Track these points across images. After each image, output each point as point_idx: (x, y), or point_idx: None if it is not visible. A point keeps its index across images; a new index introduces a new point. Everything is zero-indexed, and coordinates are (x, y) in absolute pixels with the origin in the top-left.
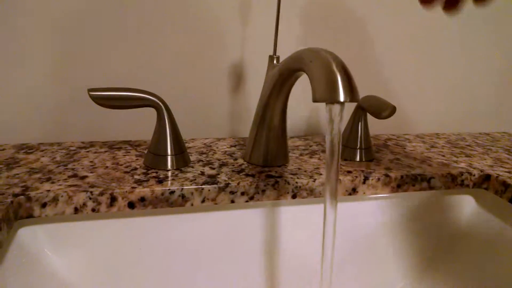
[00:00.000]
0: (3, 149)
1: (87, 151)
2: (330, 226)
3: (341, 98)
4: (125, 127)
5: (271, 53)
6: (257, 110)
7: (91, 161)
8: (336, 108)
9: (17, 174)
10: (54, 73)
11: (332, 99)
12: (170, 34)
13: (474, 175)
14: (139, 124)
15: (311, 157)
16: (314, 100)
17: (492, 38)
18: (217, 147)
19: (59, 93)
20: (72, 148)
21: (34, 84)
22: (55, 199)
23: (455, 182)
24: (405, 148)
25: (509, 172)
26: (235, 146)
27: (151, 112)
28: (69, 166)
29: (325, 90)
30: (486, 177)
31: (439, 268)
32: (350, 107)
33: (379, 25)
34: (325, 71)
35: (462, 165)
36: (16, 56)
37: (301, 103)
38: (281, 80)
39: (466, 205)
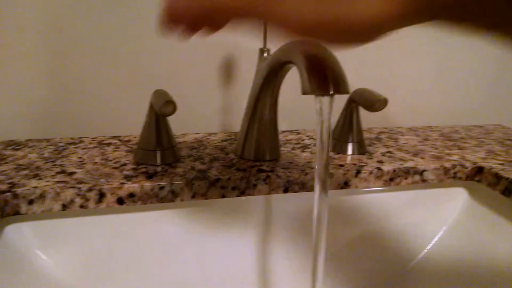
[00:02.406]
0: None
1: (76, 147)
2: (321, 219)
3: (330, 90)
4: (115, 122)
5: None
6: (248, 104)
7: (79, 157)
8: (325, 100)
9: (4, 170)
10: (44, 69)
11: (321, 91)
12: (158, 27)
13: (467, 168)
14: (130, 119)
15: (303, 151)
16: (303, 93)
17: None
18: (208, 142)
19: (48, 89)
20: (61, 144)
21: (24, 79)
22: (42, 196)
23: (447, 174)
24: (397, 141)
25: (502, 164)
26: (226, 140)
27: (141, 107)
28: (57, 162)
29: (314, 82)
30: (479, 170)
31: (431, 261)
32: (342, 100)
33: None
34: (314, 62)
35: (455, 157)
36: (5, 51)
37: (293, 96)
38: (271, 73)
39: (459, 198)
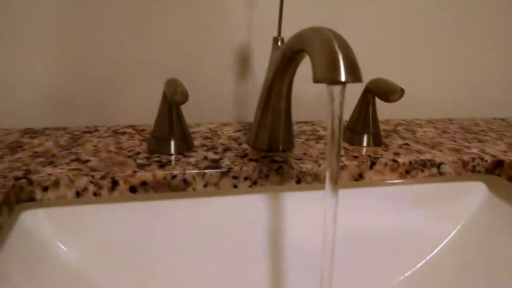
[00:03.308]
0: (9, 134)
1: (92, 136)
2: (331, 211)
3: (342, 78)
4: (131, 112)
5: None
6: (262, 93)
7: (94, 146)
8: (337, 89)
9: (20, 158)
10: (60, 57)
11: (332, 79)
12: (175, 18)
13: (486, 161)
14: (145, 109)
15: (317, 142)
16: (315, 81)
17: (506, 22)
18: (222, 132)
19: (65, 78)
20: (76, 133)
21: (41, 68)
22: (56, 183)
23: (466, 168)
24: (415, 134)
25: None
26: (240, 131)
27: (156, 96)
28: (73, 150)
29: (325, 70)
30: (499, 163)
31: (449, 257)
32: (359, 89)
33: (392, 5)
34: (326, 50)
35: (474, 150)
36: (21, 40)
37: (309, 86)
38: (284, 62)
39: (478, 192)
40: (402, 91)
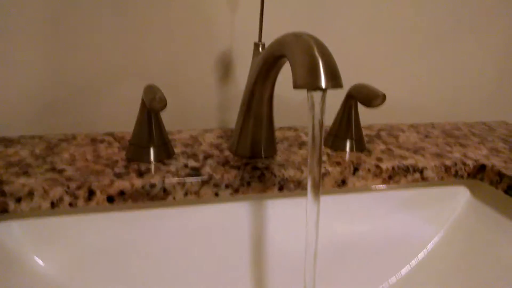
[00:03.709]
0: None
1: (69, 144)
2: (313, 218)
3: (323, 84)
4: (110, 119)
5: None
6: (243, 99)
7: (71, 154)
8: (317, 95)
9: None
10: (38, 65)
11: (313, 85)
12: (156, 22)
13: (468, 166)
14: (125, 115)
15: (300, 148)
16: (295, 87)
17: (489, 25)
18: (203, 139)
19: (43, 85)
20: (53, 141)
21: (17, 75)
22: (30, 194)
23: (448, 172)
24: (398, 138)
25: (505, 162)
26: (222, 137)
27: (136, 103)
28: (48, 159)
29: (305, 76)
30: (481, 167)
31: (433, 262)
32: (341, 95)
33: (372, 10)
34: (306, 56)
35: (457, 155)
36: None
37: (292, 92)
38: (266, 67)
39: (461, 197)
40: (384, 96)
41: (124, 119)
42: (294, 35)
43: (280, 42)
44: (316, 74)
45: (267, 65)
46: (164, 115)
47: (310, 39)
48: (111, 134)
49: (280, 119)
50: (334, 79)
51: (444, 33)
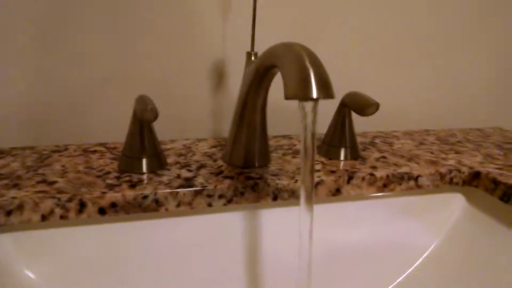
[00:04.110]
0: None
1: (60, 155)
2: (306, 227)
3: (314, 95)
4: (103, 129)
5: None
6: (236, 108)
7: (62, 166)
8: (309, 105)
9: None
10: (29, 76)
11: (304, 96)
12: (148, 30)
13: (463, 173)
14: (117, 126)
15: (294, 157)
16: (286, 97)
17: (482, 32)
18: (197, 148)
19: (34, 96)
20: (45, 152)
21: (9, 86)
22: (20, 207)
23: (443, 180)
24: (392, 146)
25: (500, 168)
26: (216, 146)
27: (129, 113)
28: (39, 171)
29: (296, 87)
30: (476, 174)
31: (429, 270)
32: (335, 104)
33: (365, 19)
34: (297, 66)
35: (451, 162)
36: None
37: (285, 100)
38: (258, 77)
39: (456, 204)
40: (377, 105)
41: (118, 129)
42: (285, 45)
43: (271, 52)
44: (307, 85)
45: (259, 76)
46: (157, 125)
47: (301, 49)
48: (103, 145)
49: (273, 127)
50: (326, 90)
51: (438, 41)
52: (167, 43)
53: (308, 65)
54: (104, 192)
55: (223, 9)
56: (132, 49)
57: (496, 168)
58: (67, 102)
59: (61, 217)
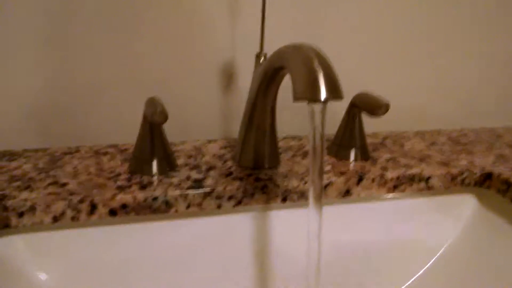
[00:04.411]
0: None
1: (72, 157)
2: (315, 229)
3: (323, 97)
4: (114, 130)
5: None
6: (245, 110)
7: (74, 167)
8: (318, 107)
9: None
10: (41, 76)
11: (313, 97)
12: (158, 33)
13: (475, 174)
14: (129, 126)
15: (303, 158)
16: (295, 99)
17: (494, 30)
18: (206, 150)
19: (47, 97)
20: (56, 154)
21: (21, 88)
22: (32, 208)
23: (454, 181)
24: (403, 147)
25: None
26: (226, 148)
27: (140, 113)
28: (51, 173)
29: (305, 89)
30: (488, 176)
31: (441, 271)
32: (345, 104)
33: (376, 18)
34: (305, 68)
35: (463, 163)
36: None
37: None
38: (267, 79)
39: (468, 205)
40: (387, 106)
41: (127, 131)
42: (294, 46)
43: (280, 54)
44: (316, 87)
45: (268, 77)
46: (167, 126)
47: (310, 50)
48: (115, 146)
49: (283, 128)
50: (334, 91)
51: (450, 39)
52: (177, 45)
53: (317, 67)
54: (115, 194)
55: (232, 10)
56: (143, 51)
57: (508, 169)
58: (78, 104)
59: (72, 218)
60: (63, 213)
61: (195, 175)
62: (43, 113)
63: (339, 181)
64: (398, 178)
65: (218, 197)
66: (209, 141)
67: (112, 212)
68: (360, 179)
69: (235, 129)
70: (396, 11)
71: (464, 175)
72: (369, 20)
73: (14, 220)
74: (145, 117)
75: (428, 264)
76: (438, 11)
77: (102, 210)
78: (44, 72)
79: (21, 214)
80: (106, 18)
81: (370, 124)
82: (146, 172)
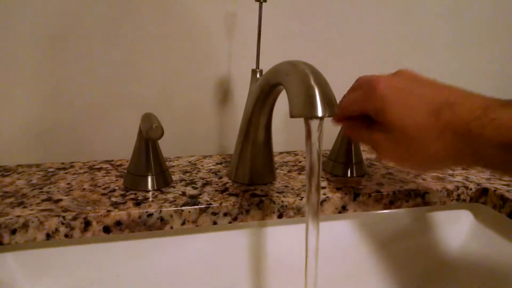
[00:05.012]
0: None
1: (66, 173)
2: (312, 247)
3: (319, 113)
4: (109, 146)
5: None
6: (241, 126)
7: (68, 183)
8: (315, 123)
9: None
10: (35, 92)
11: (309, 114)
12: (155, 49)
13: (470, 189)
14: (124, 142)
15: (299, 174)
16: (291, 116)
17: (496, 33)
18: (202, 165)
19: (41, 112)
20: (50, 170)
21: (15, 104)
22: (25, 225)
23: (450, 197)
24: None
25: (507, 185)
26: (221, 163)
27: (135, 130)
28: (45, 189)
29: (302, 105)
30: (483, 191)
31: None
32: None
33: (372, 37)
34: (302, 85)
35: (458, 178)
36: None
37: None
38: (263, 95)
39: (464, 221)
40: None
41: (122, 146)
42: (289, 63)
43: (276, 71)
44: (313, 103)
45: (264, 93)
46: (162, 142)
47: (306, 67)
48: (109, 162)
49: (279, 144)
50: (331, 108)
51: (446, 44)
52: (173, 61)
53: (313, 84)
54: (109, 211)
55: (229, 27)
56: (138, 67)
57: (504, 185)
58: (72, 120)
59: (66, 235)
60: (56, 230)
61: (190, 191)
62: (36, 129)
63: (335, 197)
64: (394, 194)
65: (214, 213)
66: (204, 157)
67: (106, 229)
68: (356, 195)
69: (231, 144)
70: (392, 28)
71: (460, 191)
72: (365, 38)
73: (6, 237)
74: (140, 133)
75: (425, 279)
76: (440, 16)
77: (96, 227)
78: (42, 89)
79: (13, 231)
80: (100, 40)
81: None
82: (141, 188)
